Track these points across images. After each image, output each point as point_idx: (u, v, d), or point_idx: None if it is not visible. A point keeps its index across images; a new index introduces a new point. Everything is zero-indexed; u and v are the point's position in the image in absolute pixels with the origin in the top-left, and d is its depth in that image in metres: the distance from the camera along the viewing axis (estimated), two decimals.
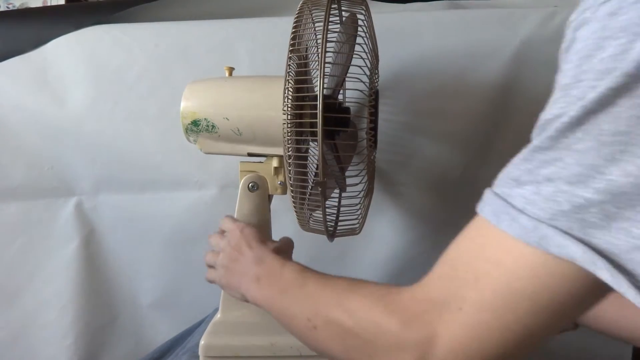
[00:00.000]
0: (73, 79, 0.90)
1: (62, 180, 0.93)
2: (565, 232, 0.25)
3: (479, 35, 0.82)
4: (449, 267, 0.31)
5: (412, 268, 0.87)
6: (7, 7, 1.10)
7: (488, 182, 0.32)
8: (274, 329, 0.62)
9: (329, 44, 0.55)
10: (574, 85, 0.23)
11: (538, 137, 0.26)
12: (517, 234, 0.27)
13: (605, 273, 0.24)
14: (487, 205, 0.29)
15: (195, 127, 0.66)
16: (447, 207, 0.87)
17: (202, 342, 0.65)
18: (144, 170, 0.93)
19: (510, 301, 0.28)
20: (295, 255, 0.63)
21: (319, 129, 0.53)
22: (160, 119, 0.90)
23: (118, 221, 0.95)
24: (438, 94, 0.83)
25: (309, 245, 0.77)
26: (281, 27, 0.73)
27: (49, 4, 1.09)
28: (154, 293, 0.99)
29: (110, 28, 0.90)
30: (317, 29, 0.63)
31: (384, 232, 0.88)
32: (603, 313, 0.51)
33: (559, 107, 0.24)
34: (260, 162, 0.67)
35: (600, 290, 0.25)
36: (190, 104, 0.67)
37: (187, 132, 0.68)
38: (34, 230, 0.93)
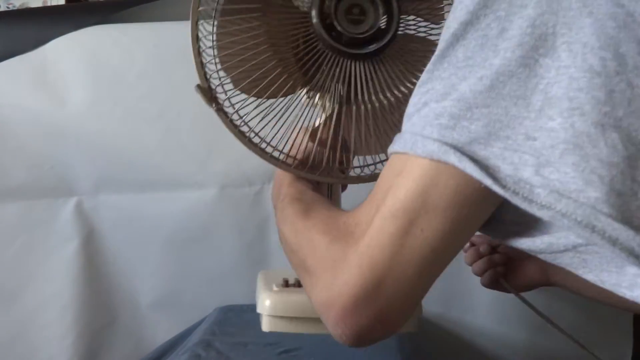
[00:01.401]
0: (73, 79, 0.90)
1: (62, 180, 0.93)
2: (427, 137, 0.31)
3: None
4: (372, 194, 0.35)
5: None
6: (7, 7, 1.10)
7: None
8: None
9: None
10: (442, 34, 0.32)
11: (421, 78, 0.33)
12: (402, 147, 0.32)
13: (453, 158, 0.29)
14: (392, 143, 0.35)
15: None
16: None
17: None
18: (144, 170, 0.93)
19: (406, 204, 0.31)
20: None
21: None
22: (160, 119, 0.90)
23: (118, 221, 0.95)
24: None
25: None
26: None
27: (49, 4, 1.09)
28: (154, 293, 0.99)
29: (110, 28, 0.90)
30: None
31: None
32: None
33: (437, 49, 0.32)
34: None
35: (478, 191, 0.30)
36: None
37: None
38: (34, 230, 0.93)
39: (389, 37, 0.51)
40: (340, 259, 0.33)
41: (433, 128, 0.30)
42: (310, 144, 0.54)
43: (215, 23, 0.53)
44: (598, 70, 0.27)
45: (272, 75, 0.52)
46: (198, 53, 0.52)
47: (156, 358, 0.94)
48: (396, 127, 0.52)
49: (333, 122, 0.53)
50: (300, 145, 0.53)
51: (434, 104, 0.31)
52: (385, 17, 0.51)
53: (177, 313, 0.98)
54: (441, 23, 0.54)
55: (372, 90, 0.52)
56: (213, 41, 0.53)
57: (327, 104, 0.55)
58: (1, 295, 0.93)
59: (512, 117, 0.28)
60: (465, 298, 0.94)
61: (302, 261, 0.39)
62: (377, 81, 0.52)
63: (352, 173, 0.58)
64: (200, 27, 0.53)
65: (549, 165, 0.28)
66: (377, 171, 0.56)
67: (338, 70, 0.52)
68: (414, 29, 0.55)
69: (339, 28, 0.50)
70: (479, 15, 0.29)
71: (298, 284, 0.60)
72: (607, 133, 0.27)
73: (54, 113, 0.90)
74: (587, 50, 0.27)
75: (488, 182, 0.28)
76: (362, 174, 0.57)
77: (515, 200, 0.28)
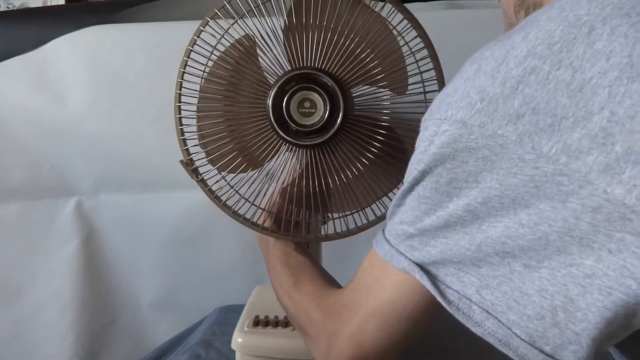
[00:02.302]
0: (73, 79, 0.90)
1: (62, 180, 0.93)
2: (401, 253, 0.40)
3: (479, 35, 0.82)
4: (356, 281, 0.45)
5: None
6: (7, 7, 1.10)
7: None
8: None
9: None
10: (408, 168, 0.39)
11: (395, 198, 0.41)
12: (382, 254, 0.42)
13: (417, 275, 0.38)
14: (376, 238, 0.44)
15: None
16: None
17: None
18: (144, 170, 0.93)
19: (382, 307, 0.41)
20: None
21: None
22: (160, 119, 0.90)
23: (118, 221, 0.96)
24: None
25: None
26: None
27: (49, 4, 1.09)
28: (154, 293, 0.99)
29: (110, 28, 0.90)
30: None
31: None
32: None
33: (404, 180, 0.40)
34: None
35: (434, 302, 0.37)
36: None
37: None
38: (34, 230, 0.94)
39: (334, 128, 0.57)
40: (334, 335, 0.44)
41: (406, 247, 0.39)
42: (280, 203, 0.62)
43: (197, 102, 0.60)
44: (524, 222, 0.32)
45: (229, 157, 0.60)
46: (182, 132, 0.61)
47: (156, 358, 0.94)
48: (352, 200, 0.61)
49: (295, 189, 0.61)
50: (271, 206, 0.62)
51: (406, 226, 0.39)
52: (332, 109, 0.57)
53: (177, 313, 0.99)
54: (388, 97, 0.61)
55: (322, 174, 0.59)
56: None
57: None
58: (1, 295, 0.93)
59: (460, 247, 0.36)
60: None
61: (302, 328, 0.51)
62: (327, 166, 0.59)
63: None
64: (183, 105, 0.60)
65: (488, 289, 0.35)
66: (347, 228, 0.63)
67: (292, 157, 0.59)
68: (364, 110, 0.61)
69: (289, 122, 0.57)
70: (431, 166, 0.36)
71: (265, 324, 0.69)
72: (532, 273, 0.33)
73: (54, 113, 0.90)
74: (516, 206, 0.33)
75: (439, 298, 0.37)
76: (331, 233, 0.64)
77: (458, 316, 0.36)
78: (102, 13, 0.91)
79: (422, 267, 0.38)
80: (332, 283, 0.55)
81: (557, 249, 0.32)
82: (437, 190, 0.36)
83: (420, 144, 0.37)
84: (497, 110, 0.32)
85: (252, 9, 0.58)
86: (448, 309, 0.36)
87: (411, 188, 0.39)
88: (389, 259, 0.41)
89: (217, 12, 0.58)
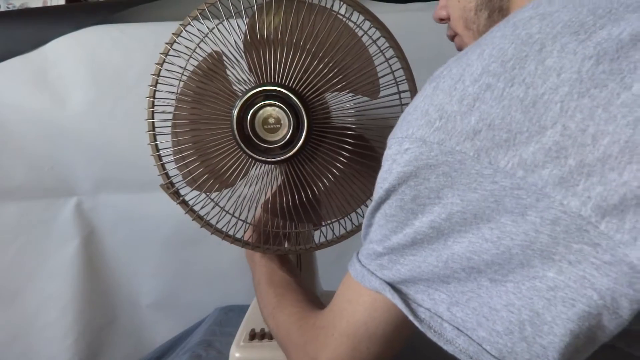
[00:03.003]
0: (73, 79, 0.90)
1: (62, 180, 0.93)
2: (372, 272, 0.40)
3: None
4: (333, 303, 0.45)
5: None
6: (7, 7, 1.10)
7: None
8: None
9: None
10: (375, 187, 0.39)
11: (365, 218, 0.41)
12: (354, 275, 0.42)
13: (388, 294, 0.38)
14: (350, 261, 0.44)
15: None
16: None
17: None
18: (144, 170, 0.92)
19: (355, 329, 0.42)
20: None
21: None
22: None
23: (118, 221, 0.96)
24: None
25: None
26: None
27: (49, 4, 1.09)
28: (154, 293, 0.99)
29: (110, 28, 0.90)
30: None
31: None
32: None
33: (373, 199, 0.40)
34: None
35: (406, 321, 0.37)
36: None
37: None
38: (34, 230, 0.94)
39: (300, 143, 0.57)
40: (314, 359, 0.45)
41: (376, 267, 0.40)
42: (263, 216, 0.62)
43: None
44: (487, 237, 0.33)
45: (201, 181, 0.61)
46: (159, 158, 0.62)
47: (156, 358, 0.94)
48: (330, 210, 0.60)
49: (269, 204, 0.61)
50: (255, 222, 0.62)
51: (375, 245, 0.40)
52: (298, 122, 0.57)
53: (177, 313, 0.99)
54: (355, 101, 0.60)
55: (295, 186, 0.59)
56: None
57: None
58: (1, 295, 0.93)
59: (428, 264, 0.36)
60: None
61: (285, 350, 0.52)
62: (299, 178, 0.58)
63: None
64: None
65: (457, 305, 0.35)
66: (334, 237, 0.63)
67: (264, 173, 0.59)
68: (333, 119, 0.60)
69: (253, 138, 0.57)
70: (395, 185, 0.36)
71: (261, 337, 0.69)
72: (498, 287, 0.33)
73: (54, 113, 0.90)
74: (478, 221, 0.33)
75: (410, 316, 0.37)
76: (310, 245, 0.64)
77: (429, 334, 0.36)
78: (102, 13, 0.91)
79: (393, 286, 0.38)
80: (315, 303, 0.55)
81: (520, 263, 0.32)
82: (402, 208, 0.36)
83: (385, 162, 0.38)
84: (455, 127, 0.33)
85: (225, 19, 0.58)
86: (420, 327, 0.36)
87: (378, 207, 0.39)
88: (361, 279, 0.41)
89: (188, 23, 0.59)
